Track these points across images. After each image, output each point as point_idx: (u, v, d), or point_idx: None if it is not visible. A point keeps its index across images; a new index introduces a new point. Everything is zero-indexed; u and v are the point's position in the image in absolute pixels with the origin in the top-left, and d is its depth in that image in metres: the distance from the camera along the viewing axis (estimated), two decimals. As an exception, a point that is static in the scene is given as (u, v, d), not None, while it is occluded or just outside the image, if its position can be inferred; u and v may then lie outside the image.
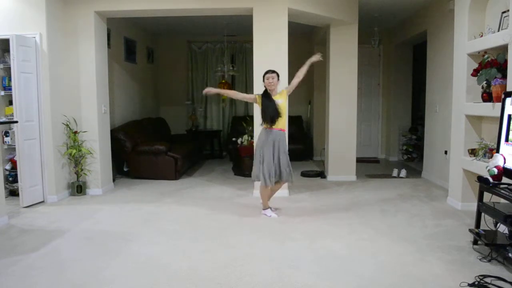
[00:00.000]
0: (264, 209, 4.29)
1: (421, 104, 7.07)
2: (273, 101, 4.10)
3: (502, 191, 2.95)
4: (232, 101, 8.86)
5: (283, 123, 4.18)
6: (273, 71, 4.19)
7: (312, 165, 7.38)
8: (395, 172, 6.37)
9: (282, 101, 4.13)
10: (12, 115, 4.62)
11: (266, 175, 4.08)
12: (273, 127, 4.09)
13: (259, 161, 4.12)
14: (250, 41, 5.39)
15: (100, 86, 5.27)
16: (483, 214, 3.26)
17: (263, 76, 4.20)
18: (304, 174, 6.46)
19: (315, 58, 4.21)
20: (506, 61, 3.53)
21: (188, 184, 5.87)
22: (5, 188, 4.64)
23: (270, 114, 4.07)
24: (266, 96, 4.15)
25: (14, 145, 4.67)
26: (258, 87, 5.07)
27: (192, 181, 6.10)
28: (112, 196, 5.17)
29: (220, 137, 8.68)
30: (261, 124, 4.20)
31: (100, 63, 5.27)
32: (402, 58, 7.84)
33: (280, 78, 4.24)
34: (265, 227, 3.89)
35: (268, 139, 4.09)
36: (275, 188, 4.33)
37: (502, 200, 3.12)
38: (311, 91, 8.40)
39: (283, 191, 5.12)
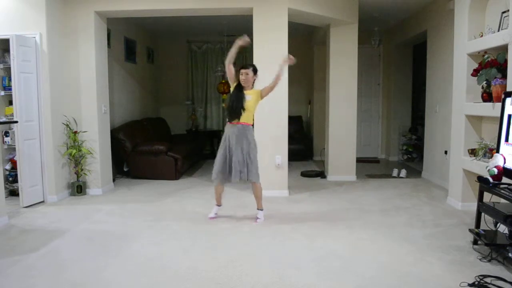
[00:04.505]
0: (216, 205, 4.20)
1: (421, 104, 7.07)
2: (242, 94, 3.91)
3: (502, 191, 2.95)
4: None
5: (247, 118, 3.93)
6: (250, 66, 3.99)
7: (312, 165, 7.38)
8: (395, 172, 6.37)
9: (250, 98, 3.92)
10: (12, 115, 4.62)
11: (215, 170, 3.98)
12: (236, 121, 3.91)
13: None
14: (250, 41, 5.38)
15: (100, 86, 5.27)
16: (483, 214, 3.26)
17: (240, 71, 3.99)
18: (304, 174, 6.46)
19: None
20: (506, 61, 3.53)
21: (188, 184, 5.87)
22: (5, 188, 4.64)
23: (233, 106, 3.90)
24: (238, 88, 3.96)
25: (14, 145, 4.67)
26: (258, 87, 5.09)
27: (192, 181, 6.10)
28: (112, 196, 5.17)
29: (220, 137, 8.66)
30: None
31: (100, 63, 5.27)
32: (402, 58, 7.84)
33: (258, 73, 4.01)
34: (265, 227, 3.89)
35: (226, 134, 3.96)
36: (254, 191, 4.11)
37: (502, 200, 3.12)
38: (311, 91, 8.40)
39: (282, 191, 5.14)
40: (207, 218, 4.16)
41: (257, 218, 4.10)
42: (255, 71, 4.01)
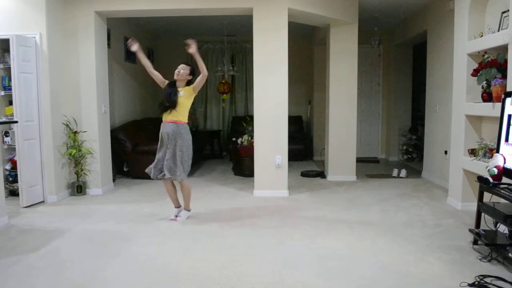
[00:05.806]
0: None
1: (421, 104, 7.07)
2: (174, 90, 3.91)
3: (502, 191, 2.95)
4: (232, 101, 8.87)
5: (180, 115, 3.92)
6: (189, 65, 3.99)
7: (312, 165, 7.38)
8: (395, 172, 6.37)
9: (182, 94, 3.91)
10: (12, 115, 4.62)
11: (152, 167, 4.02)
12: (167, 119, 3.90)
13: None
14: (250, 41, 5.38)
15: (100, 86, 5.27)
16: (483, 214, 3.26)
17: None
18: (304, 174, 6.46)
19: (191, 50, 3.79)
20: (506, 61, 3.53)
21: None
22: (5, 188, 4.64)
23: (165, 101, 3.91)
24: (170, 85, 3.99)
25: (14, 145, 4.67)
26: (258, 87, 5.09)
27: (192, 181, 6.07)
28: (112, 196, 5.17)
29: (220, 137, 8.68)
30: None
31: (100, 63, 5.27)
32: (402, 58, 7.84)
33: (195, 73, 3.97)
34: (265, 227, 3.89)
35: (161, 132, 3.97)
36: (181, 190, 4.13)
37: (502, 200, 3.12)
38: (311, 91, 8.40)
39: (282, 191, 5.14)
40: (207, 218, 4.17)
41: (177, 216, 4.12)
42: (192, 72, 3.98)
